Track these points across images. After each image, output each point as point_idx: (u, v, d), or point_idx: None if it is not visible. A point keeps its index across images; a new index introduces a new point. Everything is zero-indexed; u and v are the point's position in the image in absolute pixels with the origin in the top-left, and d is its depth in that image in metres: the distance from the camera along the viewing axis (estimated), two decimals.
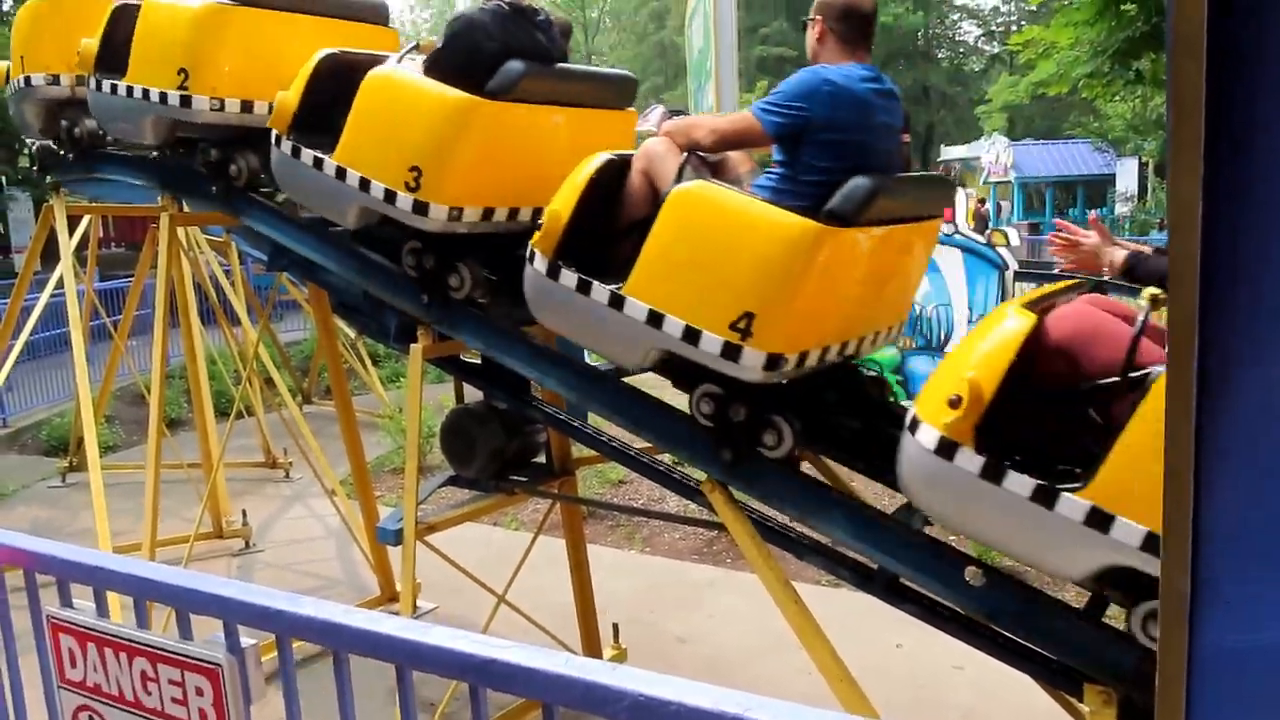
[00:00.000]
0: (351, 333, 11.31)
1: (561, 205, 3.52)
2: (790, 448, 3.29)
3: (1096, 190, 32.28)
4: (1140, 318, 2.60)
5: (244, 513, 7.80)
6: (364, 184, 3.99)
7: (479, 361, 4.59)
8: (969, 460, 2.63)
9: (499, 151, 3.93)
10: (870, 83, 3.25)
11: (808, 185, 3.14)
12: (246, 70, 4.75)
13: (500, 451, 4.52)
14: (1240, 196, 0.83)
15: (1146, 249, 3.02)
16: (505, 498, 4.75)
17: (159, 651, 2.01)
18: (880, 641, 5.42)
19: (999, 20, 45.80)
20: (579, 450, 4.88)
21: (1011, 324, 2.71)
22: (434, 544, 4.53)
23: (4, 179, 18.74)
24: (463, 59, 3.84)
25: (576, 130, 4.18)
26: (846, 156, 3.12)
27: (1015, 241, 9.11)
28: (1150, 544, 2.39)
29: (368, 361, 12.24)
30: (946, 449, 2.66)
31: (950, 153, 35.94)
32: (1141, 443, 2.38)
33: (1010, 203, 30.74)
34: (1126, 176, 30.07)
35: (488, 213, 4.01)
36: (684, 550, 7.22)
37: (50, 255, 8.20)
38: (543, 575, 5.98)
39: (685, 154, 3.44)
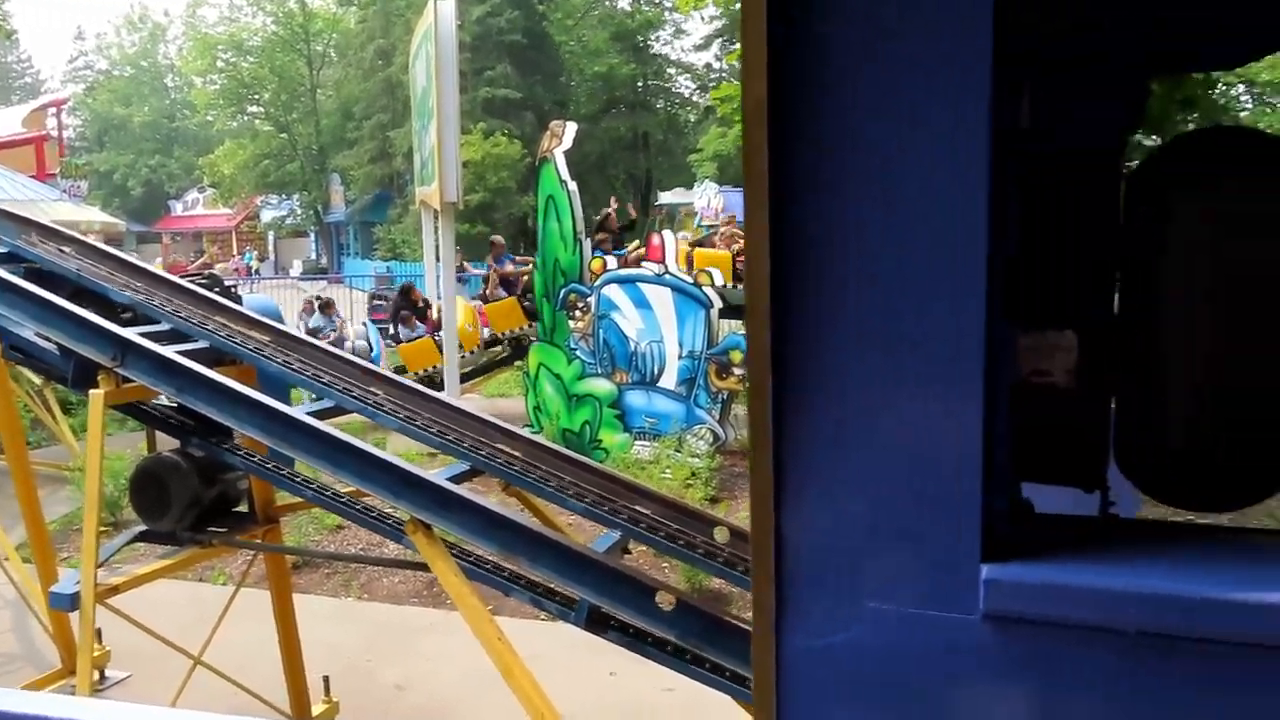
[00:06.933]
0: (38, 378, 10.18)
1: None
2: None
3: None
4: None
5: None
6: None
7: (172, 407, 4.32)
8: None
9: None
10: None
11: None
12: None
13: (196, 501, 4.26)
14: (796, 234, 1.01)
15: None
16: (201, 551, 4.47)
17: None
18: (595, 670, 5.57)
19: (712, 77, 48.84)
20: (284, 497, 4.69)
21: None
22: (120, 607, 4.19)
23: None
24: None
25: None
26: None
27: (720, 281, 9.73)
28: None
29: (57, 410, 11.02)
30: None
31: (666, 197, 37.80)
32: None
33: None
34: None
35: None
36: (403, 594, 7.08)
37: None
38: (255, 631, 5.66)
39: None
